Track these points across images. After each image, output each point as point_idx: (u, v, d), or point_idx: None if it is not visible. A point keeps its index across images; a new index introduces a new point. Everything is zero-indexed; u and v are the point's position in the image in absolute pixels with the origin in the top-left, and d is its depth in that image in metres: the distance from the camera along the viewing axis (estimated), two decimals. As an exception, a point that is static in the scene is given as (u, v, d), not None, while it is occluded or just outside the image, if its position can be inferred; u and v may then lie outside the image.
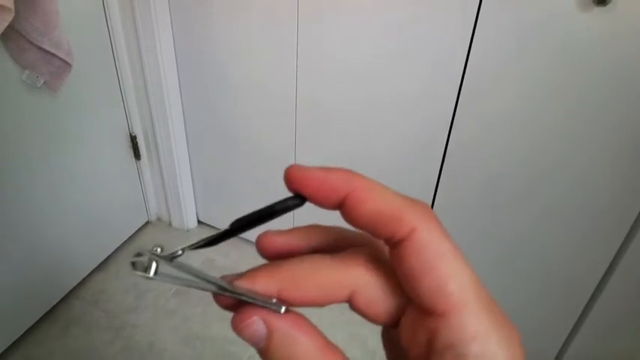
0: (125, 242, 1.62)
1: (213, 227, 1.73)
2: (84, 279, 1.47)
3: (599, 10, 0.82)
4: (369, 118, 1.18)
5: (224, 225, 0.18)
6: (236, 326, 0.18)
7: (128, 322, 1.37)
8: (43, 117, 1.19)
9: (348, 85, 1.16)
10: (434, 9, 0.98)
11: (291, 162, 1.36)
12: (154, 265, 0.17)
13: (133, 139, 1.52)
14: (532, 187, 1.07)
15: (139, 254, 0.17)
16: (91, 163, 1.38)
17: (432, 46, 1.02)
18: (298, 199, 0.18)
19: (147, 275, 0.17)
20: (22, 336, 1.29)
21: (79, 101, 1.28)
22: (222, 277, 0.18)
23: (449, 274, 0.16)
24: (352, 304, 0.18)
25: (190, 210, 1.68)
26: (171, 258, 0.18)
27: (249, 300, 0.18)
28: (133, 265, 0.17)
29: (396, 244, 0.17)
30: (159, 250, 0.18)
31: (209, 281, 0.18)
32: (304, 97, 1.24)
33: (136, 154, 1.56)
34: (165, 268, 0.17)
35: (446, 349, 0.16)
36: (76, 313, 1.39)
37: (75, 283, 1.44)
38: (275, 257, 0.20)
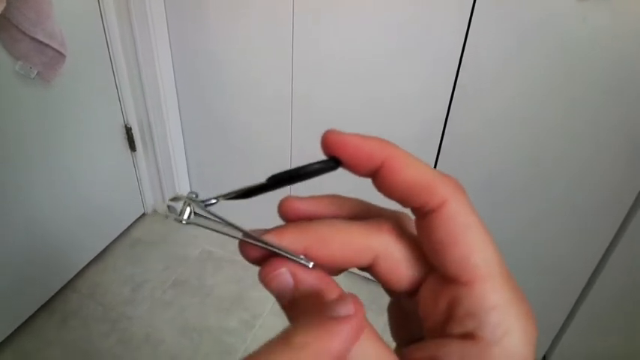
0: (121, 234, 1.62)
1: (210, 219, 1.73)
2: (80, 271, 1.47)
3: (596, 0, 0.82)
4: (366, 117, 1.18)
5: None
6: (264, 277, 0.18)
7: (125, 314, 1.37)
8: (38, 108, 1.17)
9: (344, 84, 1.15)
10: (432, 8, 0.97)
11: (288, 157, 1.37)
12: (188, 209, 0.18)
13: (128, 131, 1.51)
14: (530, 185, 1.07)
15: (175, 198, 0.19)
16: (87, 154, 1.38)
17: (429, 45, 1.01)
18: (332, 162, 0.18)
19: (181, 219, 0.18)
20: (18, 328, 1.29)
21: (73, 93, 1.27)
22: (251, 231, 0.19)
23: (475, 246, 0.17)
24: (374, 269, 0.19)
25: (186, 202, 1.68)
26: (206, 205, 0.19)
27: (278, 252, 0.18)
28: (169, 208, 0.18)
29: (425, 214, 0.17)
30: (194, 196, 0.18)
31: (239, 230, 0.18)
32: (300, 96, 1.24)
33: (132, 146, 1.55)
34: (198, 215, 0.18)
35: (466, 316, 0.16)
36: (73, 305, 1.39)
37: (71, 276, 1.44)
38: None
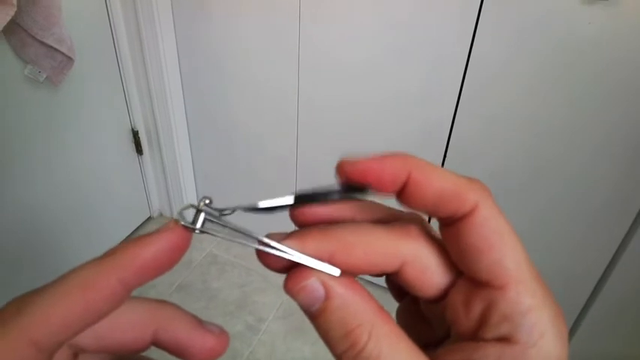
0: (127, 238, 1.62)
1: (216, 222, 1.73)
2: (86, 274, 1.47)
3: (601, 4, 0.82)
4: (371, 116, 1.18)
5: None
6: (291, 288, 0.17)
7: (130, 317, 1.37)
8: (46, 111, 1.19)
9: (350, 84, 1.16)
10: (437, 7, 0.97)
11: (293, 160, 1.38)
12: (201, 217, 0.18)
13: (135, 135, 1.52)
14: (532, 185, 1.07)
15: (189, 206, 0.18)
16: (94, 158, 1.38)
17: (434, 44, 1.01)
18: (358, 188, 0.17)
19: (194, 227, 0.17)
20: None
21: (81, 96, 1.28)
22: (269, 236, 0.17)
23: (507, 250, 0.17)
24: (400, 275, 0.18)
25: (192, 205, 1.68)
26: (220, 214, 0.18)
27: (301, 260, 0.17)
28: (182, 216, 0.17)
29: (455, 221, 0.17)
30: (207, 201, 0.18)
31: (255, 239, 0.17)
32: (306, 95, 1.24)
33: (138, 150, 1.56)
34: (212, 222, 0.18)
35: (502, 320, 0.16)
36: (79, 307, 1.39)
37: (77, 278, 1.45)
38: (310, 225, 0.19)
